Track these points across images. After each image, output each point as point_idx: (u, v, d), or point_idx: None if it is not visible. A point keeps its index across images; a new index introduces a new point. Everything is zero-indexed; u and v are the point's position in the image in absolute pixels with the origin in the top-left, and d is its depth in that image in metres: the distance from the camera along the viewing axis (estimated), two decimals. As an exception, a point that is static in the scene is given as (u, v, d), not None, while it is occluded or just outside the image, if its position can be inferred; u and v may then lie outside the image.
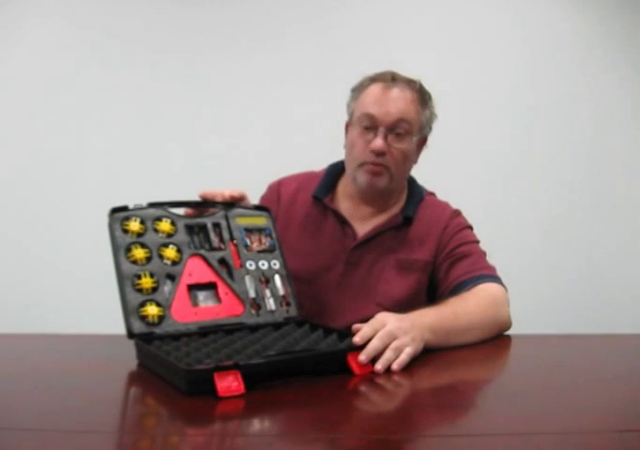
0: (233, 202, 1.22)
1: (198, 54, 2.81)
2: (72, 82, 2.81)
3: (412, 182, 1.47)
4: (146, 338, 0.99)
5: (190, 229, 1.14)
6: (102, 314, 2.53)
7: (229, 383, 0.80)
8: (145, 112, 2.81)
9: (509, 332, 1.26)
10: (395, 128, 1.29)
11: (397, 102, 1.29)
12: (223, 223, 1.18)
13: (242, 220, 1.20)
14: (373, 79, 1.33)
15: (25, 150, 2.81)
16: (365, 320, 1.29)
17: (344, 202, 1.42)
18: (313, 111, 2.60)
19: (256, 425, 0.76)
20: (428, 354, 1.04)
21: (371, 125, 1.29)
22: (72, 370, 0.99)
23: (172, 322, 1.03)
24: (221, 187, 1.23)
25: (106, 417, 0.78)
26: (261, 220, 1.23)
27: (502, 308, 1.24)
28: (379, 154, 1.29)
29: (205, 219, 1.17)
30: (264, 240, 1.21)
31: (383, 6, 2.79)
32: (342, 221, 1.39)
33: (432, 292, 1.39)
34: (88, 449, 0.68)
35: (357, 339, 0.96)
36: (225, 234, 1.17)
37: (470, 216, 1.46)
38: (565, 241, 2.75)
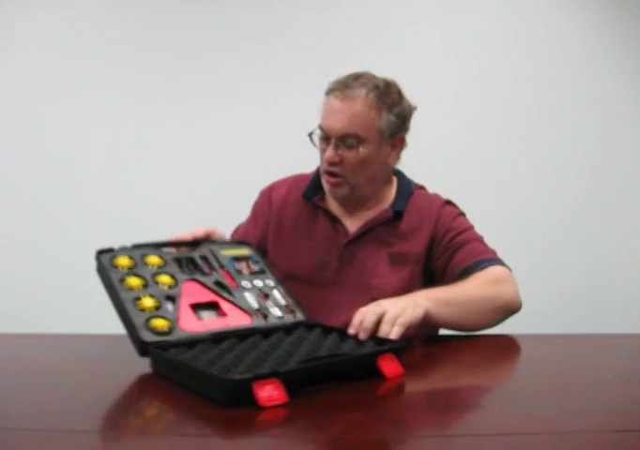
0: (211, 240, 1.26)
1: (200, 52, 2.81)
2: (71, 81, 2.81)
3: (401, 176, 1.48)
4: (161, 347, 0.95)
5: (178, 261, 1.15)
6: (102, 314, 2.53)
7: (269, 392, 0.78)
8: (145, 111, 2.81)
9: (508, 332, 1.25)
10: (343, 141, 1.30)
11: (343, 116, 1.29)
12: (210, 255, 1.19)
13: (227, 251, 1.23)
14: (331, 87, 1.34)
15: (26, 150, 2.81)
16: None
17: (333, 200, 1.44)
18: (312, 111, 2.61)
19: (256, 425, 0.76)
20: (428, 354, 1.04)
21: (324, 136, 1.33)
22: (72, 370, 0.99)
23: (181, 332, 1.00)
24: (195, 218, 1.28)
25: (105, 417, 0.78)
26: (244, 251, 1.25)
27: (506, 286, 1.27)
28: (331, 163, 1.32)
29: (192, 253, 1.18)
30: (252, 266, 1.22)
31: (384, 6, 2.79)
32: (333, 219, 1.41)
33: (432, 285, 1.39)
34: (88, 449, 0.68)
35: (351, 330, 1.03)
36: (214, 264, 1.18)
37: (472, 216, 1.45)
38: (565, 241, 2.75)
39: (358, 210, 1.42)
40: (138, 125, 2.82)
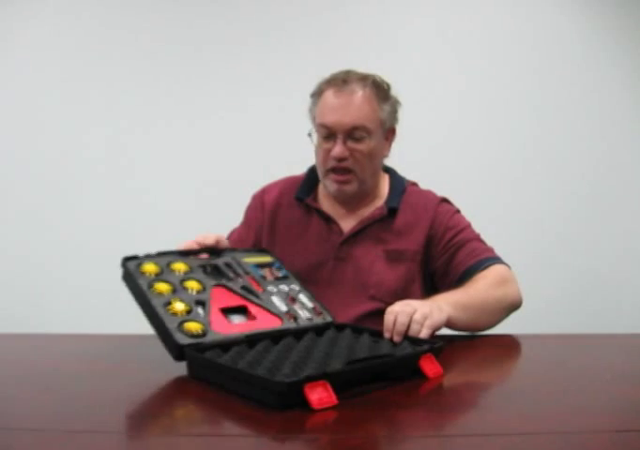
0: (233, 248, 1.26)
1: (200, 53, 2.81)
2: (71, 83, 2.81)
3: (392, 173, 1.49)
4: (197, 350, 0.94)
5: (203, 268, 1.16)
6: (102, 314, 2.53)
7: (320, 395, 0.78)
8: (144, 112, 2.81)
9: (508, 332, 1.25)
10: (352, 134, 1.31)
11: (349, 109, 1.30)
12: (234, 263, 1.20)
13: (249, 259, 1.23)
14: (326, 84, 1.35)
15: (26, 150, 2.81)
16: (361, 314, 1.29)
17: (326, 200, 1.44)
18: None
19: (254, 425, 0.76)
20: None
21: (329, 134, 1.33)
22: (72, 370, 0.99)
23: (215, 334, 0.99)
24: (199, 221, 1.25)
25: (106, 417, 0.78)
26: (266, 258, 1.26)
27: (510, 285, 1.31)
28: (341, 159, 1.32)
29: (216, 261, 1.19)
30: (276, 272, 1.23)
31: (383, 7, 2.79)
32: (327, 219, 1.42)
33: (433, 284, 1.40)
34: (88, 449, 0.68)
35: (386, 334, 1.04)
36: (239, 270, 1.18)
37: (470, 215, 1.45)
38: (565, 241, 2.75)
39: (354, 208, 1.42)
40: (137, 126, 2.82)
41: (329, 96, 1.33)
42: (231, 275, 1.16)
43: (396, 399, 0.85)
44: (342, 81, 1.32)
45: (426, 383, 0.92)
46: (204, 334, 0.97)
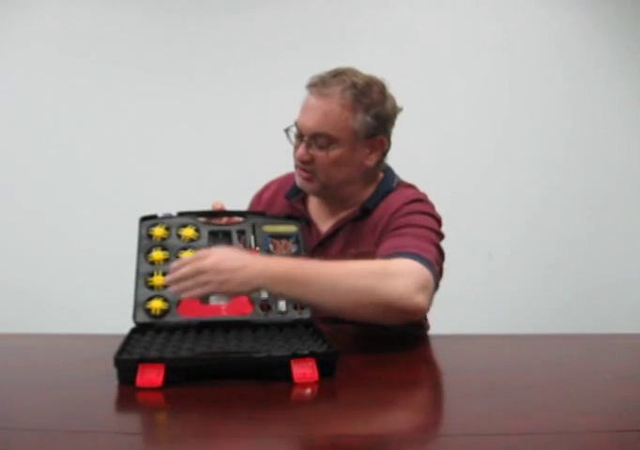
0: (262, 212, 1.24)
1: (201, 51, 2.82)
2: (71, 85, 2.82)
3: (386, 174, 1.40)
4: (144, 329, 1.03)
5: (214, 235, 1.17)
6: (102, 314, 2.53)
7: (150, 376, 0.84)
8: (145, 113, 2.81)
9: (507, 331, 1.25)
10: (315, 140, 1.26)
11: (315, 114, 1.25)
12: (249, 231, 1.19)
13: (269, 228, 1.22)
14: (310, 82, 1.29)
15: (27, 150, 2.81)
16: (332, 318, 1.17)
17: (313, 200, 1.41)
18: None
19: (254, 425, 0.76)
20: (425, 353, 1.04)
21: (298, 133, 1.29)
22: (72, 370, 0.99)
23: (174, 316, 1.05)
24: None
25: (105, 417, 0.78)
26: (289, 228, 1.23)
27: (393, 281, 1.05)
28: (302, 162, 1.29)
29: (230, 227, 1.19)
30: (290, 246, 1.20)
31: (376, 8, 2.79)
32: (307, 221, 1.37)
33: None
34: (88, 449, 0.68)
35: (168, 278, 0.98)
36: (249, 241, 1.18)
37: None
38: (564, 240, 2.75)
39: (335, 210, 1.37)
40: (138, 127, 2.82)
41: (307, 96, 1.28)
42: (236, 246, 1.15)
43: (395, 399, 0.85)
44: (321, 81, 1.26)
45: (424, 384, 0.92)
46: (162, 315, 1.04)
